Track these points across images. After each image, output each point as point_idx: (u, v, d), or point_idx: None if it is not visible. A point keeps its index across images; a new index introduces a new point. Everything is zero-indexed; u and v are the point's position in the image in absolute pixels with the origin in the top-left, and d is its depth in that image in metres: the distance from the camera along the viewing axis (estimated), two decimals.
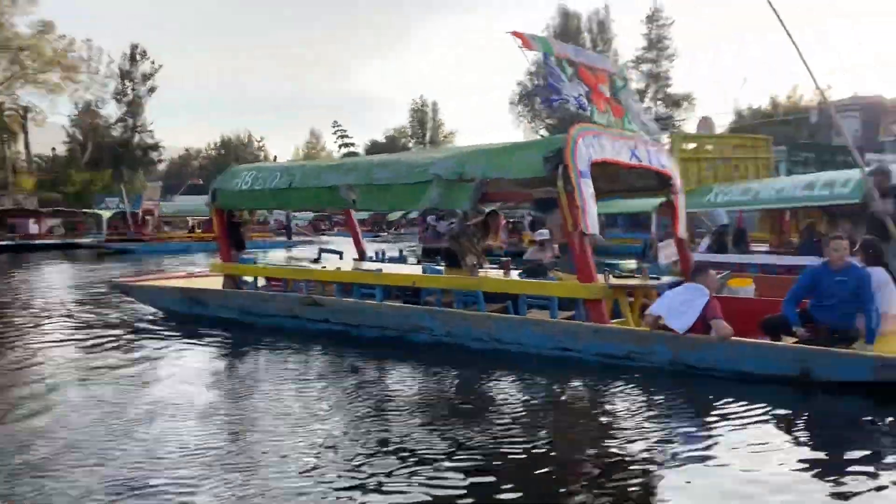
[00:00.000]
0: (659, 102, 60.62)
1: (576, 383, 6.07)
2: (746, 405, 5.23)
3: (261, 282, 9.23)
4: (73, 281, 16.74)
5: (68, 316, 10.20)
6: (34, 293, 13.67)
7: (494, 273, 8.19)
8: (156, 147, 59.12)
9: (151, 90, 57.28)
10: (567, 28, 60.90)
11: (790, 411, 5.22)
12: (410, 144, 74.21)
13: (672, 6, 77.41)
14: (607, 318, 6.55)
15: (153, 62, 57.20)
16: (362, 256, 10.77)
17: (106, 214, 38.92)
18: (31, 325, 9.42)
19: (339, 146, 76.33)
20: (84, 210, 38.77)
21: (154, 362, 7.08)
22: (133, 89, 56.35)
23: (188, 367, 6.85)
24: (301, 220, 52.56)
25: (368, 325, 7.81)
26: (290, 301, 8.44)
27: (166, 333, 8.62)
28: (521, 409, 5.42)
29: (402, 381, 6.43)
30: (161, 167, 76.91)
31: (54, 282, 16.41)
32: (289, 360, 7.20)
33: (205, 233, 33.32)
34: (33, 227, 36.34)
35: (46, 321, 9.69)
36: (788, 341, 6.16)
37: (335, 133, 76.42)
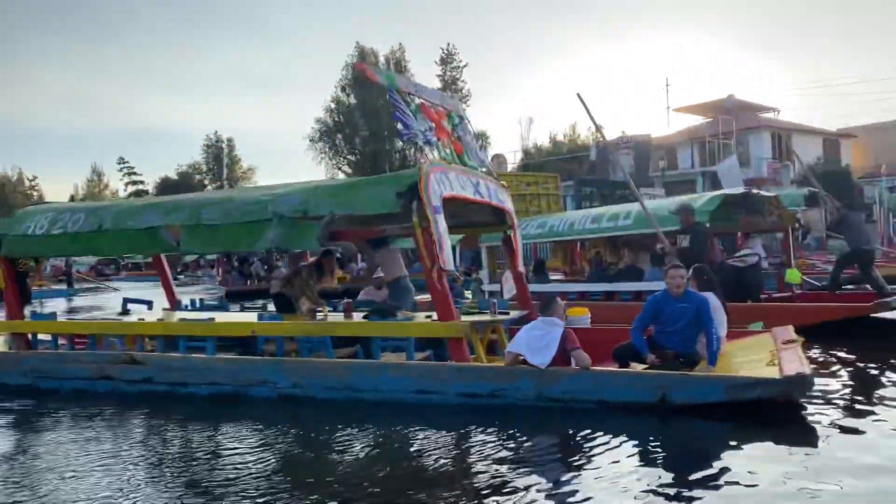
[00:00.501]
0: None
1: (440, 426, 5.76)
2: (609, 434, 5.26)
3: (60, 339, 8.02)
4: None
5: None
6: None
7: (335, 317, 7.72)
8: None
9: None
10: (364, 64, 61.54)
11: (651, 437, 5.32)
12: (206, 182, 70.80)
13: (464, 48, 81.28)
14: (469, 356, 6.33)
15: None
16: (175, 306, 9.78)
17: None
18: None
19: (126, 184, 71.19)
20: None
21: None
22: None
23: None
24: (81, 266, 47.57)
25: (199, 383, 6.97)
26: (101, 360, 7.35)
27: None
28: (378, 460, 5.05)
29: (239, 444, 5.69)
30: None
31: None
32: (98, 431, 6.21)
33: None
34: None
35: None
36: (638, 368, 6.32)
37: (121, 170, 71.26)
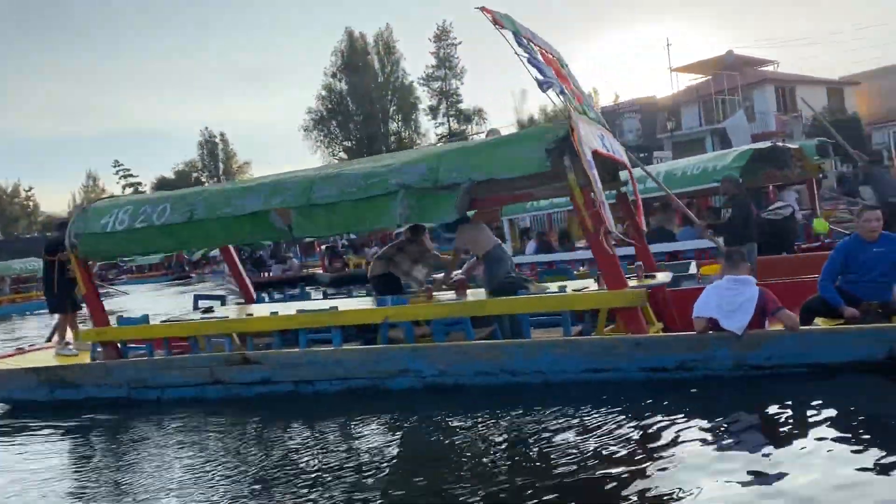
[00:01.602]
0: (451, 118, 61.91)
1: (620, 407, 4.99)
2: (830, 401, 4.57)
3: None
4: None
5: None
6: None
7: (448, 297, 6.93)
8: None
9: None
10: (354, 49, 60.38)
11: (881, 399, 4.61)
12: (203, 178, 69.49)
13: (459, 24, 79.37)
14: (645, 326, 5.54)
15: None
16: (252, 299, 8.94)
17: None
18: None
19: (123, 187, 69.78)
20: None
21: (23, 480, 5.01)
22: None
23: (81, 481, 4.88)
24: None
25: (327, 378, 6.16)
26: (211, 363, 6.52)
27: (29, 435, 6.36)
28: (572, 449, 4.31)
29: (386, 442, 5.02)
30: None
31: None
32: (218, 441, 5.55)
33: None
34: None
35: None
36: (825, 325, 5.57)
37: (117, 173, 69.87)
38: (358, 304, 7.29)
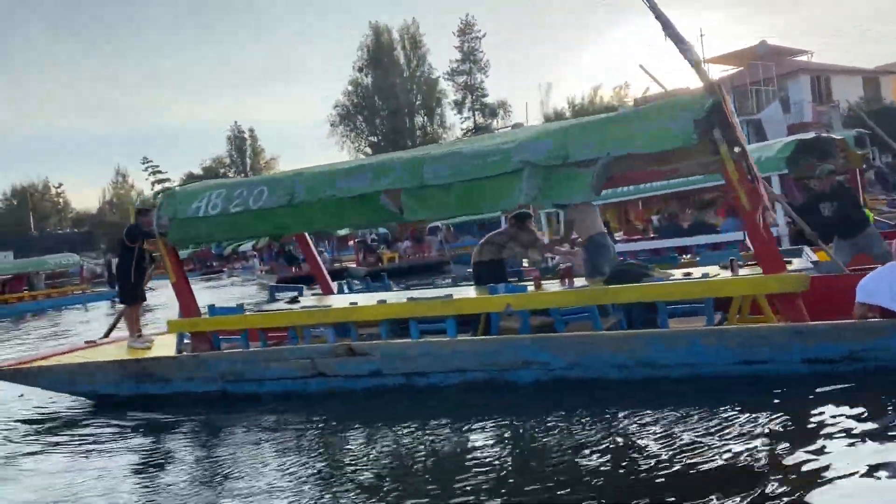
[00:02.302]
0: (476, 112, 61.35)
1: (783, 405, 4.46)
2: None
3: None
4: None
5: None
6: None
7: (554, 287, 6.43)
8: None
9: None
10: (380, 44, 59.97)
11: None
12: (230, 174, 69.39)
13: (482, 18, 78.46)
14: (806, 315, 5.01)
15: None
16: (329, 290, 8.48)
17: None
18: None
19: (153, 183, 69.80)
20: None
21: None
22: None
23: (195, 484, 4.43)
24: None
25: (443, 371, 5.69)
26: (314, 354, 6.07)
27: (116, 431, 5.95)
28: (727, 453, 3.75)
29: (521, 439, 4.56)
30: None
31: None
32: (326, 440, 5.10)
33: (14, 291, 27.75)
34: None
35: None
36: None
37: (146, 169, 69.88)
38: (466, 293, 6.79)
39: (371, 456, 4.57)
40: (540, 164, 5.33)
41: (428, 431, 4.90)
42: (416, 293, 7.24)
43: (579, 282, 6.52)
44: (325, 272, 8.67)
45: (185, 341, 7.03)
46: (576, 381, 5.34)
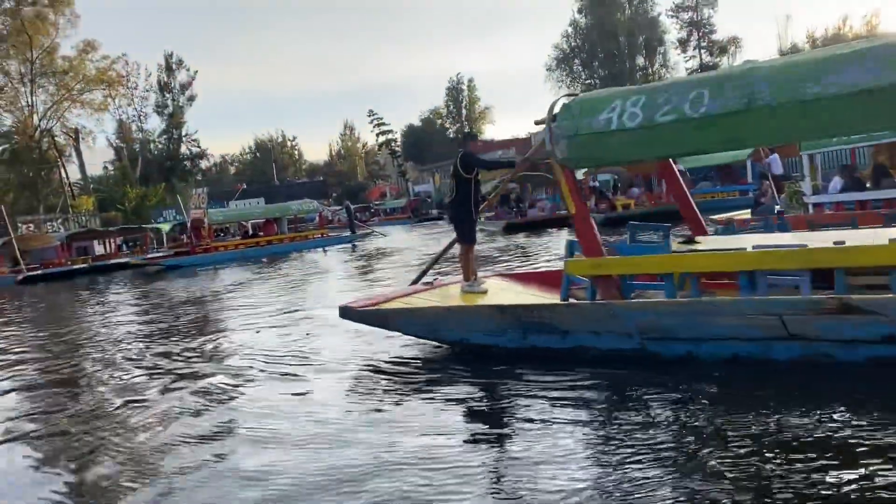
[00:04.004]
0: (703, 50, 55.95)
1: None
2: None
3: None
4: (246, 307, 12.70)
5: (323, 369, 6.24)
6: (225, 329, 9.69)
7: None
8: (202, 155, 55.19)
9: (191, 99, 53.22)
10: None
11: None
12: (447, 125, 69.91)
13: None
14: None
15: (189, 69, 53.10)
16: (702, 231, 6.72)
17: (165, 228, 35.20)
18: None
19: (377, 135, 72.20)
20: (142, 226, 35.00)
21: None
22: (174, 100, 52.28)
23: None
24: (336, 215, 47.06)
25: None
26: (785, 309, 4.41)
27: (508, 389, 4.73)
28: None
29: None
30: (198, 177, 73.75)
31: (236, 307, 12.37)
32: (799, 429, 3.49)
33: (267, 234, 29.25)
34: (98, 248, 32.22)
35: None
36: None
37: (371, 122, 72.29)
38: None
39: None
40: None
41: None
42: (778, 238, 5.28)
43: None
44: (697, 210, 6.95)
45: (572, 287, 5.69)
46: None
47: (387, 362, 6.03)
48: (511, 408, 4.48)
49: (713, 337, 4.70)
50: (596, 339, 5.16)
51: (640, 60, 58.17)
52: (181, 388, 5.92)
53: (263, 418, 4.78)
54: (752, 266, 4.67)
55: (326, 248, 26.71)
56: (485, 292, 7.09)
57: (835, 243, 4.52)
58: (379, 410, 4.71)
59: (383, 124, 67.74)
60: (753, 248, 4.82)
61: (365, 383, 5.46)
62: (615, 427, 3.88)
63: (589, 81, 59.22)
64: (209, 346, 7.92)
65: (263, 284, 14.88)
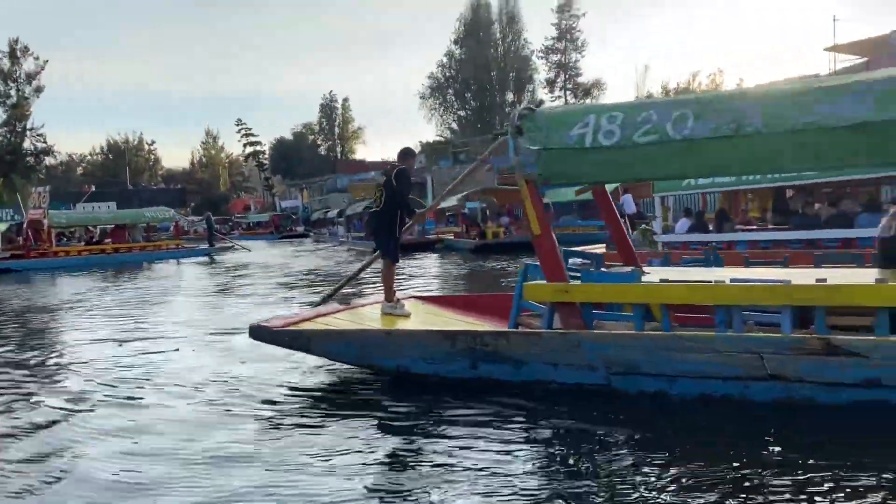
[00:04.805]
0: (568, 91, 58.67)
1: None
2: None
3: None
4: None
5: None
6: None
7: None
8: (48, 152, 50.08)
9: (38, 90, 48.23)
10: (478, 19, 57.70)
11: None
12: (319, 141, 68.38)
13: None
14: None
15: (37, 58, 48.19)
16: (633, 261, 6.48)
17: (1, 227, 31.36)
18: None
19: (244, 145, 69.16)
20: None
21: None
22: (18, 90, 47.10)
23: None
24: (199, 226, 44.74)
25: None
26: (765, 347, 4.14)
27: (440, 425, 4.14)
28: None
29: None
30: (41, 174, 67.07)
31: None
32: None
33: (116, 242, 26.65)
34: None
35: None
36: None
37: (239, 131, 69.21)
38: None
39: None
40: None
41: None
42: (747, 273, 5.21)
43: None
44: (630, 242, 6.72)
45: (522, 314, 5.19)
46: None
47: (283, 387, 5.22)
48: (429, 456, 3.85)
49: (687, 374, 4.35)
50: (554, 372, 4.67)
51: (510, 96, 59.97)
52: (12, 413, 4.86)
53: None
54: (733, 300, 4.38)
55: (181, 260, 24.83)
56: (408, 315, 6.48)
57: (817, 280, 4.33)
58: (260, 447, 3.93)
59: (251, 135, 65.08)
60: (731, 281, 4.54)
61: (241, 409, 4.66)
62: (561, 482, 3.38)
63: (461, 112, 60.33)
64: (35, 364, 6.80)
65: (103, 297, 13.30)
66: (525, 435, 4.05)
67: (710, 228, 11.64)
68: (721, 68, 56.29)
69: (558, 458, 3.77)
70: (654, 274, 5.32)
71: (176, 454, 3.92)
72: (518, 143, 4.81)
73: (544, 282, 4.90)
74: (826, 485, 3.19)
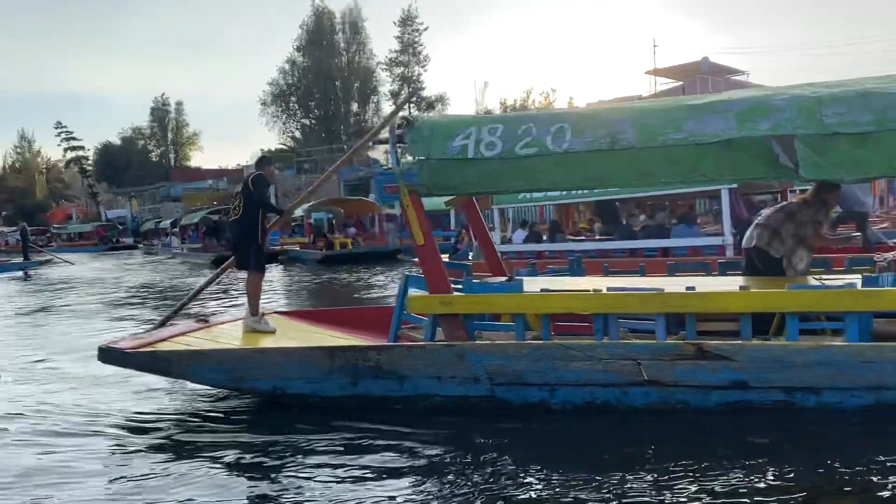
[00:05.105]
0: (412, 105, 59.30)
1: None
2: None
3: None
4: None
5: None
6: None
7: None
8: None
9: None
10: (321, 27, 56.88)
11: None
12: (150, 147, 64.00)
13: (425, 8, 75.85)
14: None
15: None
16: (501, 272, 6.57)
17: None
18: None
19: (65, 150, 63.10)
20: None
21: None
22: None
23: None
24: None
25: (847, 388, 4.06)
26: (642, 354, 4.27)
27: (321, 451, 3.96)
28: None
29: None
30: None
31: None
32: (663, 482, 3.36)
33: None
34: None
35: None
36: None
37: (59, 135, 63.06)
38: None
39: None
40: None
41: (834, 477, 3.34)
42: (628, 282, 5.52)
43: None
44: (497, 252, 6.79)
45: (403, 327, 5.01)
46: None
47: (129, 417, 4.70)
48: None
49: (570, 382, 4.38)
50: (438, 385, 4.53)
51: (355, 106, 59.67)
52: None
53: None
54: (611, 309, 4.48)
55: None
56: (273, 331, 6.10)
57: (687, 288, 4.53)
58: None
59: (73, 139, 59.57)
60: (609, 290, 4.65)
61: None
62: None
63: (304, 120, 59.11)
64: None
65: None
66: (407, 455, 3.88)
67: (544, 238, 12.43)
68: (553, 87, 59.42)
69: (443, 474, 3.63)
70: (531, 283, 5.38)
71: None
72: (398, 151, 4.65)
73: (427, 293, 4.76)
74: (693, 486, 3.32)
